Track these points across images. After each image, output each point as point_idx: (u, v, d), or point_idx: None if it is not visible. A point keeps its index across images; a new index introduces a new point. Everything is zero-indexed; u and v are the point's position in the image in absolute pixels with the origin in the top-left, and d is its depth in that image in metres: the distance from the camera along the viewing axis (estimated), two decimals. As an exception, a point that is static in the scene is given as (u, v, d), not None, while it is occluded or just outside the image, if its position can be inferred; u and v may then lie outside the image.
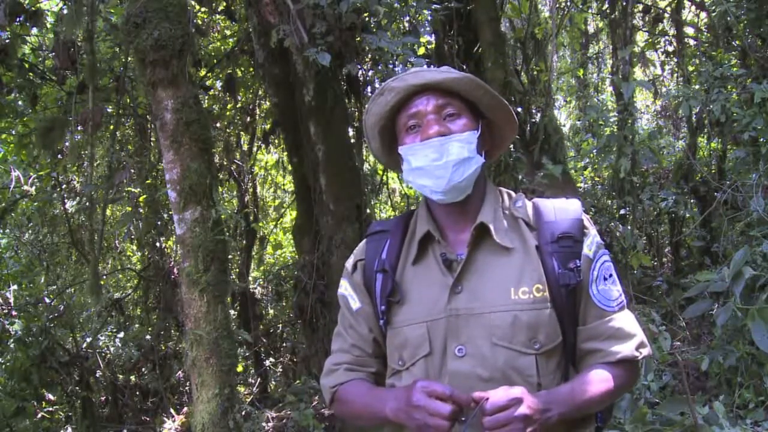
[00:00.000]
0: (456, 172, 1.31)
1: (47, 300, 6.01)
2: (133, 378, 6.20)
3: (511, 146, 4.56)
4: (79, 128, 4.58)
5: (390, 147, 1.45)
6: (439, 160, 1.31)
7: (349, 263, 1.49)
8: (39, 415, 5.34)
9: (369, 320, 1.43)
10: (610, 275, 1.36)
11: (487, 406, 1.16)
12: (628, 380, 1.34)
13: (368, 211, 4.45)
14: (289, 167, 5.53)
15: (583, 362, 1.35)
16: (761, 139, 4.60)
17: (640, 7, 6.25)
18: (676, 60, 6.56)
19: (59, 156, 5.50)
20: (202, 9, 5.56)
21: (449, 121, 1.34)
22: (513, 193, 1.44)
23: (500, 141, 1.47)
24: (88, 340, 6.00)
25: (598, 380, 1.29)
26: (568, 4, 6.35)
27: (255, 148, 7.11)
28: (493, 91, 1.37)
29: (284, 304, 7.21)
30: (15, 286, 5.89)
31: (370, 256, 1.44)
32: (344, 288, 1.48)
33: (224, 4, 5.54)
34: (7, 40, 4.33)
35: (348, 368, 1.45)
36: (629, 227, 5.03)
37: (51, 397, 5.47)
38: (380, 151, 1.48)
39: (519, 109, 5.16)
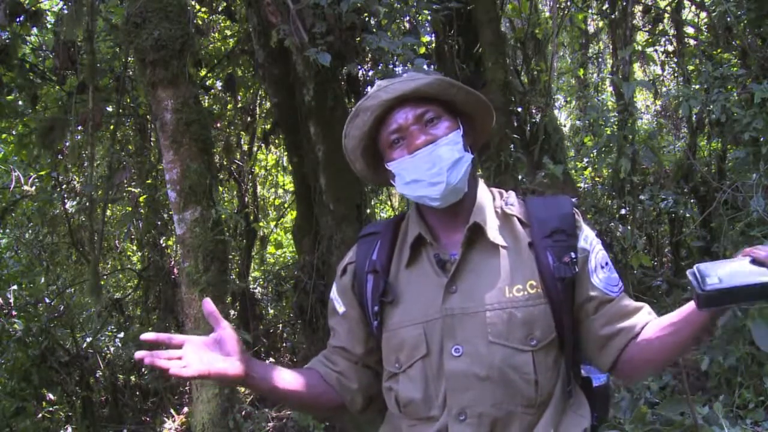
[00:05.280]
0: (451, 174, 1.30)
1: (47, 300, 6.00)
2: (133, 378, 6.19)
3: (511, 146, 4.56)
4: (79, 128, 4.59)
5: (375, 165, 1.44)
6: (432, 168, 1.30)
7: (339, 266, 1.50)
8: (39, 415, 5.33)
9: (351, 324, 1.45)
10: (606, 263, 1.38)
11: None
12: None
13: (368, 211, 4.45)
14: (289, 167, 5.53)
15: (607, 347, 1.35)
16: (761, 139, 4.59)
17: (640, 7, 6.24)
18: (676, 60, 6.56)
19: (59, 156, 5.50)
20: (202, 9, 5.56)
21: (431, 126, 1.33)
22: (504, 192, 1.45)
23: (480, 133, 1.47)
24: (88, 340, 6.00)
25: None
26: (568, 4, 6.35)
27: (255, 148, 7.10)
28: (465, 86, 1.36)
29: (284, 304, 7.21)
30: (15, 286, 5.89)
31: (360, 259, 1.44)
32: (333, 292, 1.51)
33: (224, 4, 5.53)
34: (7, 40, 4.33)
35: (320, 360, 1.51)
36: (629, 227, 5.02)
37: (51, 397, 5.46)
38: (366, 171, 1.45)
39: (519, 109, 5.16)
